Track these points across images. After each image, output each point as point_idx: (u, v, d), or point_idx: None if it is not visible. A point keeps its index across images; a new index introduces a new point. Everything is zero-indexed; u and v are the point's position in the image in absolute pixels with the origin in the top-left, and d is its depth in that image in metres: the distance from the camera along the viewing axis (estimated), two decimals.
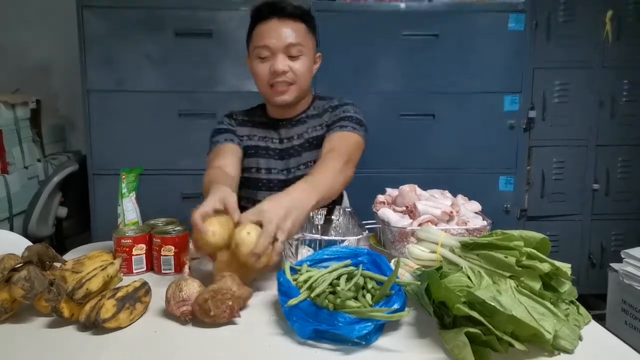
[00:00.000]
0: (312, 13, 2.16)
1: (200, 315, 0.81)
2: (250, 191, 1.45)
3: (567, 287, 0.78)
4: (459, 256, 0.84)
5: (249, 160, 1.44)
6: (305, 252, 1.00)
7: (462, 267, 0.81)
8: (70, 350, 0.76)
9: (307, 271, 0.86)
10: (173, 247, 1.05)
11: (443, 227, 1.05)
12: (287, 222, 0.95)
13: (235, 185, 1.30)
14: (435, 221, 1.07)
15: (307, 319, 0.76)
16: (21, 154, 2.36)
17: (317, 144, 1.38)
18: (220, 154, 1.37)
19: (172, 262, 1.06)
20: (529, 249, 0.77)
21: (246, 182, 1.45)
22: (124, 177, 1.15)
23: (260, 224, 0.93)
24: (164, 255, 1.05)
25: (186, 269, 0.94)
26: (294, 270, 0.88)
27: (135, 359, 0.73)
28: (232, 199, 1.00)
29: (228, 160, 1.35)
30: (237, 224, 0.95)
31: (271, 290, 0.95)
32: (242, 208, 1.51)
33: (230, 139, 1.42)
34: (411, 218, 1.10)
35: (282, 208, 0.96)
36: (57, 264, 0.97)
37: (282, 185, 1.40)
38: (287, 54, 1.31)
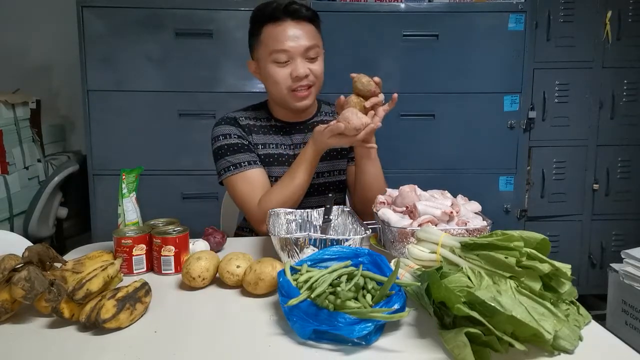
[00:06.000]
0: None
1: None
2: None
3: (567, 287, 0.78)
4: (459, 256, 0.84)
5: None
6: (309, 252, 1.00)
7: (462, 268, 0.81)
8: (70, 351, 0.76)
9: (307, 271, 0.86)
10: (173, 248, 1.05)
11: (443, 228, 1.05)
12: None
13: None
14: (435, 221, 1.07)
15: (307, 319, 0.76)
16: (21, 154, 2.36)
17: (330, 153, 1.39)
18: (255, 184, 1.31)
19: (173, 263, 1.06)
20: (529, 250, 0.77)
21: None
22: (124, 177, 1.14)
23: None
24: (164, 256, 1.05)
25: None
26: (294, 271, 0.88)
27: (135, 359, 0.73)
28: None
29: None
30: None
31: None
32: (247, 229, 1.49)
33: (254, 161, 1.34)
34: (411, 218, 1.10)
35: None
36: (58, 265, 0.96)
37: None
38: (305, 57, 1.29)
